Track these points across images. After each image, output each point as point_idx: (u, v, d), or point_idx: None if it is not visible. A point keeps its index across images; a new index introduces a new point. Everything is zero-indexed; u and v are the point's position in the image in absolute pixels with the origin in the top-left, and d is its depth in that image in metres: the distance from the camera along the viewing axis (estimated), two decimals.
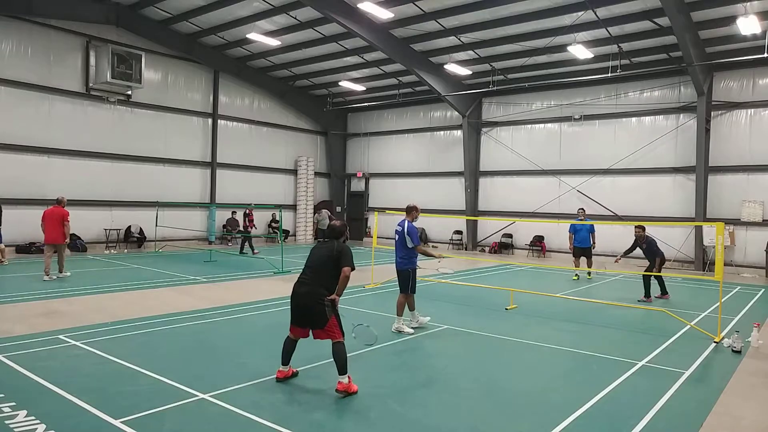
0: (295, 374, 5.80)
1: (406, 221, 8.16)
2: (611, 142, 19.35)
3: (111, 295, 10.29)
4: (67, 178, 17.61)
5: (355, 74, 22.55)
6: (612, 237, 18.76)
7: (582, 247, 14.41)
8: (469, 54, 19.13)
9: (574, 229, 14.55)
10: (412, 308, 8.20)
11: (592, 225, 14.46)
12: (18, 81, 16.57)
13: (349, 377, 5.35)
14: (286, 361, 5.69)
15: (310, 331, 5.57)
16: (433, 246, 23.71)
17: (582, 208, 15.57)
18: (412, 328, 8.07)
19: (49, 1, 16.64)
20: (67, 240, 12.29)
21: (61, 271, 12.26)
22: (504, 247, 21.62)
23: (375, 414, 4.94)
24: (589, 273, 14.56)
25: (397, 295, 8.12)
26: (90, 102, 18.30)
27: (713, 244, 15.83)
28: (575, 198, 19.95)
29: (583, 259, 14.67)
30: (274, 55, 21.23)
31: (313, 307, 5.44)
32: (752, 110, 16.86)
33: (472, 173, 22.36)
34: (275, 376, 5.68)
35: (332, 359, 5.40)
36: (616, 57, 17.11)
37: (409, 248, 8.04)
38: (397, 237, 8.20)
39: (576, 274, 14.62)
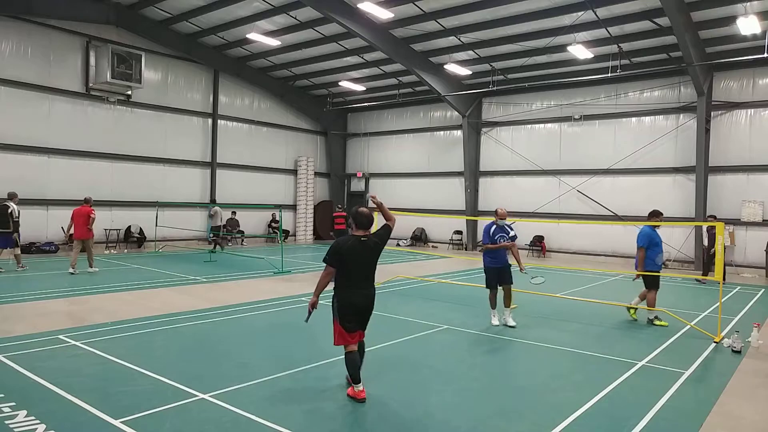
0: None
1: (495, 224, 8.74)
2: (611, 142, 19.35)
3: (111, 295, 10.29)
4: (67, 178, 17.62)
5: (355, 74, 22.54)
6: (612, 237, 18.81)
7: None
8: (469, 54, 19.12)
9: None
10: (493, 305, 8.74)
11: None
12: (18, 81, 16.58)
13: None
14: (359, 377, 5.23)
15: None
16: (432, 246, 23.74)
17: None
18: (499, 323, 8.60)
19: (49, 1, 16.65)
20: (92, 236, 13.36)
21: (90, 266, 13.19)
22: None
23: (375, 414, 4.94)
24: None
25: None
26: (90, 102, 18.30)
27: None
28: (575, 198, 19.97)
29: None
30: (274, 55, 21.23)
31: (372, 307, 5.40)
32: (752, 110, 16.86)
33: (472, 173, 22.35)
34: (351, 396, 5.20)
35: (335, 359, 5.41)
36: (616, 57, 17.10)
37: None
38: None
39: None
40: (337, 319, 5.24)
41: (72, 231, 13.62)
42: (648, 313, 9.10)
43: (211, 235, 19.18)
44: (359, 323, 5.31)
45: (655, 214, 9.25)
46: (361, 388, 5.15)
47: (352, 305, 5.22)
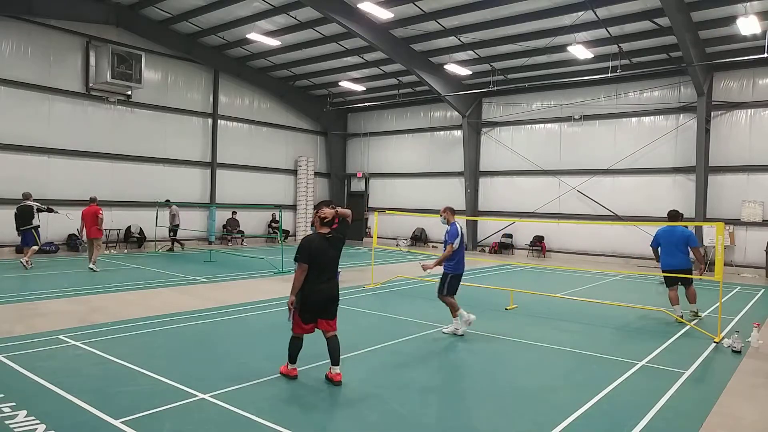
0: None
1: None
2: (611, 142, 19.35)
3: (111, 295, 10.29)
4: (67, 178, 17.62)
5: (355, 74, 22.54)
6: (612, 237, 18.82)
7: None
8: (469, 54, 19.12)
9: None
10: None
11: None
12: (18, 81, 16.57)
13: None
14: (296, 359, 5.80)
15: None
16: (432, 246, 23.74)
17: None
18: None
19: (49, 1, 16.63)
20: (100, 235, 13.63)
21: (92, 264, 13.24)
22: (504, 247, 21.62)
23: (376, 414, 4.94)
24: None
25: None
26: (90, 102, 18.30)
27: (713, 244, 15.82)
28: (575, 198, 19.97)
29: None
30: (274, 55, 21.23)
31: (337, 296, 5.80)
32: (752, 110, 16.85)
33: (472, 173, 22.35)
34: (284, 373, 5.78)
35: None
36: (616, 57, 17.10)
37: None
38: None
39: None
40: (297, 311, 5.61)
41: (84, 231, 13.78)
42: (690, 306, 9.36)
43: (171, 234, 19.27)
44: (321, 314, 5.67)
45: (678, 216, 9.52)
46: (294, 366, 5.73)
47: (319, 298, 5.61)
